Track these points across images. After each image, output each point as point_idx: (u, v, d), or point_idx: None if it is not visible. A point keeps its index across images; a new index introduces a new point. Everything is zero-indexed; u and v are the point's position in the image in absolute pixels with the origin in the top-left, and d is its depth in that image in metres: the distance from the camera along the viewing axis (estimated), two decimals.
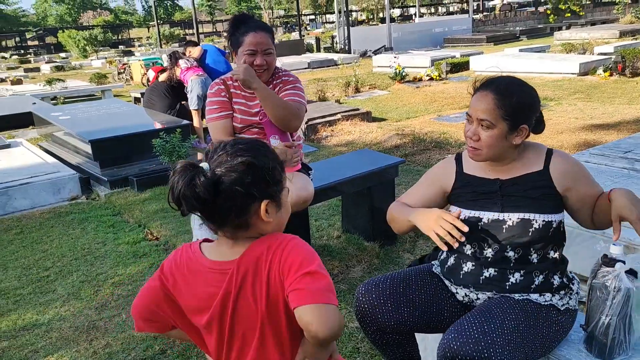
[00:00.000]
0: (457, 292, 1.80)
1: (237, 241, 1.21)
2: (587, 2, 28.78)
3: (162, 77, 6.73)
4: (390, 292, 1.80)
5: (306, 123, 6.55)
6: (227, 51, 6.85)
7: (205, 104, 2.76)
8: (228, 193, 1.13)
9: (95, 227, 4.10)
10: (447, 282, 1.84)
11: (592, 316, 1.61)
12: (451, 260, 1.81)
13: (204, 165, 1.15)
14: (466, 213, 1.76)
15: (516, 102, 1.63)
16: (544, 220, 1.65)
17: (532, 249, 1.67)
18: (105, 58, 24.76)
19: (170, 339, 2.56)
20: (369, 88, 10.19)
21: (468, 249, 1.75)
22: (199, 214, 1.18)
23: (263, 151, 1.20)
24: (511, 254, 1.68)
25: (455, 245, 1.62)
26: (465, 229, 1.59)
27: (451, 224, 1.60)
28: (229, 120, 2.65)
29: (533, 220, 1.66)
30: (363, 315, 1.81)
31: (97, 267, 3.39)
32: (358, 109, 7.20)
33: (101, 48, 32.05)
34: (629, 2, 23.17)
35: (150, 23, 44.18)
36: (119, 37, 43.38)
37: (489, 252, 1.71)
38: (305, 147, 5.99)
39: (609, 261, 1.56)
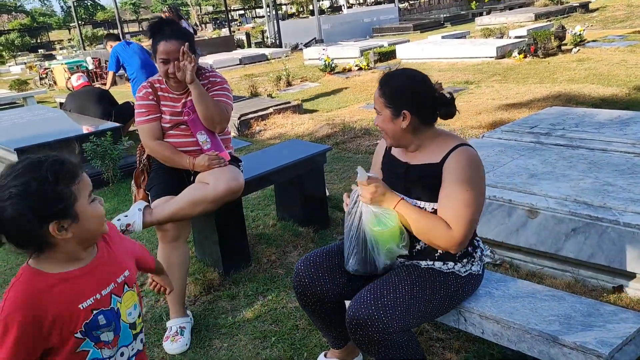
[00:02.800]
0: None
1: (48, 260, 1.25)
2: None
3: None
4: (327, 265, 1.99)
5: (239, 118, 6.63)
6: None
7: (135, 107, 2.82)
8: (11, 227, 1.16)
9: None
10: None
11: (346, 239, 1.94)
12: None
13: None
14: None
15: (391, 91, 1.85)
16: (433, 208, 1.85)
17: None
18: (25, 63, 23.53)
19: None
20: (300, 81, 10.35)
21: None
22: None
23: (35, 172, 1.19)
24: None
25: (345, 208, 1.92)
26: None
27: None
28: (157, 123, 2.73)
29: (423, 207, 1.86)
30: (303, 288, 1.98)
31: None
32: (289, 102, 7.35)
33: (19, 53, 30.40)
34: None
35: (71, 24, 42.23)
36: (38, 41, 41.21)
37: None
38: (238, 142, 6.07)
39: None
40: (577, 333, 1.73)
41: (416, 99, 1.85)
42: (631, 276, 2.48)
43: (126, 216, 2.53)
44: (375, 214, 1.81)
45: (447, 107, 1.88)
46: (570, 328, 1.76)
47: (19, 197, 1.15)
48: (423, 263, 1.90)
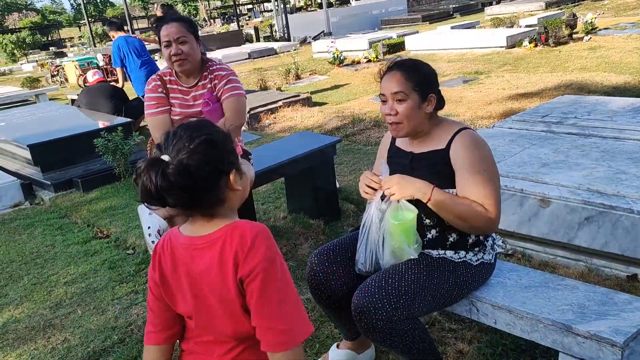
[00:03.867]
0: None
1: (213, 218, 1.25)
2: None
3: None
4: (341, 259, 1.98)
5: (249, 112, 6.63)
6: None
7: (144, 99, 2.83)
8: (199, 175, 1.17)
9: (42, 231, 4.08)
10: None
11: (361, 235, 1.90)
12: None
13: (165, 157, 1.17)
14: None
15: (422, 74, 1.86)
16: None
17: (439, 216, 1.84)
18: (37, 61, 23.70)
19: (128, 327, 2.65)
20: (310, 74, 10.33)
21: None
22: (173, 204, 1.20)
23: (212, 127, 1.26)
24: (426, 220, 1.88)
25: (368, 197, 1.86)
26: (375, 185, 1.84)
27: (368, 182, 1.86)
28: (167, 115, 2.73)
29: None
30: (318, 283, 1.97)
31: (48, 269, 3.41)
32: (299, 95, 7.34)
33: (31, 51, 30.64)
34: None
35: (81, 22, 42.44)
36: (49, 39, 41.48)
37: None
38: (248, 135, 6.08)
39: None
40: (591, 322, 1.72)
41: (437, 83, 1.90)
42: None
43: (149, 227, 2.53)
44: (396, 207, 1.79)
45: (443, 100, 1.95)
46: (584, 317, 1.75)
47: (207, 145, 1.19)
48: (434, 252, 1.89)
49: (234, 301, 1.22)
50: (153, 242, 2.51)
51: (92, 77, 7.40)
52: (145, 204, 1.22)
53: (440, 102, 1.92)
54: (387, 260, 1.85)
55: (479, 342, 2.21)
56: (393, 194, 1.78)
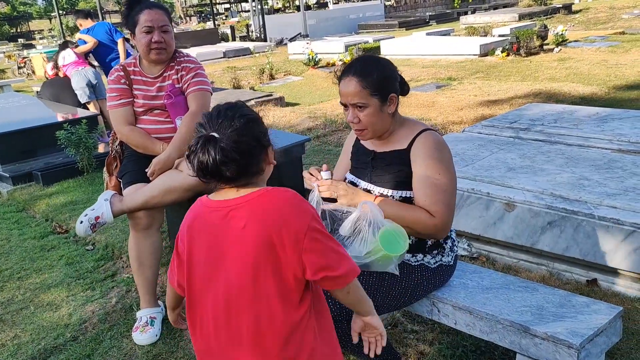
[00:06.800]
0: None
1: (247, 187, 1.36)
2: None
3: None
4: None
5: None
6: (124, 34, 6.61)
7: (106, 91, 2.75)
8: (247, 149, 1.31)
9: None
10: None
11: None
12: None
13: (215, 134, 1.29)
14: (350, 178, 1.95)
15: (378, 77, 1.76)
16: (400, 196, 1.81)
17: None
18: (4, 52, 23.07)
19: (82, 325, 2.56)
20: (284, 75, 10.28)
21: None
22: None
23: (248, 108, 1.39)
24: None
25: (310, 185, 1.81)
26: (315, 174, 1.81)
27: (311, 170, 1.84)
28: (129, 107, 2.66)
29: (390, 196, 1.82)
30: None
31: (1, 263, 3.27)
32: (271, 95, 7.29)
33: None
34: None
35: (52, 14, 41.47)
36: (18, 30, 40.44)
37: None
38: None
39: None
40: (549, 324, 1.72)
41: (396, 80, 1.82)
42: (604, 269, 2.49)
43: (93, 209, 2.44)
44: (389, 231, 1.63)
45: (407, 85, 1.89)
46: (542, 319, 1.75)
47: (252, 123, 1.32)
48: None
49: (269, 257, 1.30)
50: (82, 222, 2.41)
51: (51, 70, 7.17)
52: (202, 179, 1.31)
53: (404, 88, 1.86)
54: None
55: (440, 344, 2.20)
56: (337, 198, 1.75)
